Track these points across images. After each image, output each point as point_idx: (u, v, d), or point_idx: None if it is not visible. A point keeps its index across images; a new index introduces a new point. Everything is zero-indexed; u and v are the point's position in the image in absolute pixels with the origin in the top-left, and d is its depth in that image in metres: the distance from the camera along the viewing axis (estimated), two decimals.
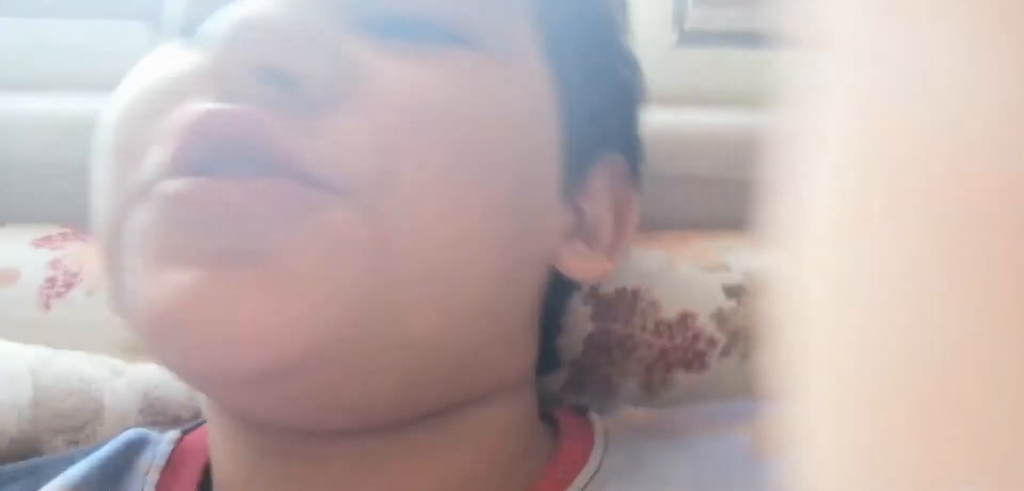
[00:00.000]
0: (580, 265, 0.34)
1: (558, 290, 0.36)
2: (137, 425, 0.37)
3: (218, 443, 0.31)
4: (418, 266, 0.26)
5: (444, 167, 0.27)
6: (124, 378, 0.39)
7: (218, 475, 0.31)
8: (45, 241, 0.49)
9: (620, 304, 0.43)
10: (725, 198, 0.49)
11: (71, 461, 0.32)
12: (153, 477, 0.32)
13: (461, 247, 0.27)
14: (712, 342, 0.42)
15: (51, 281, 0.47)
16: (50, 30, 0.63)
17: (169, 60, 0.28)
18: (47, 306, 0.47)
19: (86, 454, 0.33)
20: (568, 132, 0.32)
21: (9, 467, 0.34)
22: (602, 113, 0.35)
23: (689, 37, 0.53)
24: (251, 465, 0.29)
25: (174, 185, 0.25)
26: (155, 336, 0.25)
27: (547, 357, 0.39)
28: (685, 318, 0.42)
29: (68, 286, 0.46)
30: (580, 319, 0.42)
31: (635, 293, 0.43)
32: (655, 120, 0.50)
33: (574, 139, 0.33)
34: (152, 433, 0.34)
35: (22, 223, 0.53)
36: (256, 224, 0.24)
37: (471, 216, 0.27)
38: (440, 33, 0.29)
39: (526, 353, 0.34)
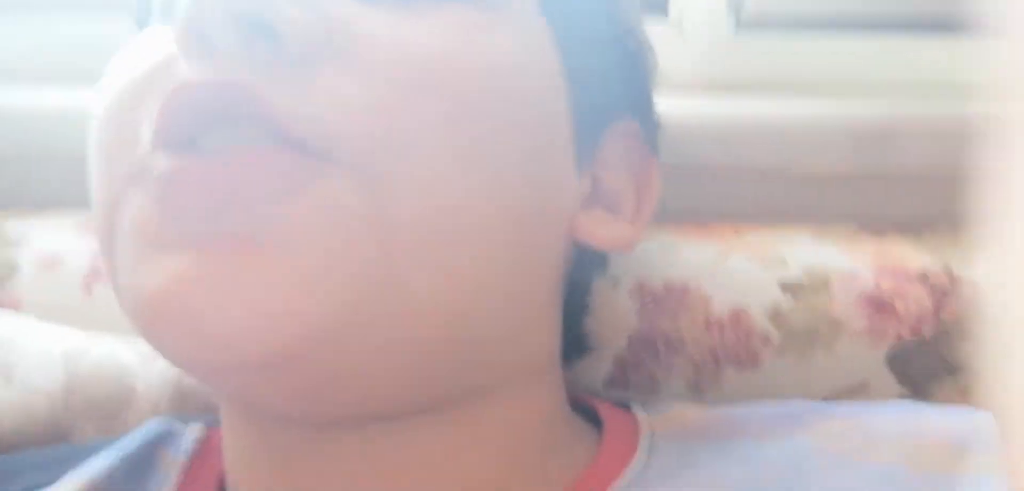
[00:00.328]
0: (602, 232, 0.32)
1: (581, 266, 0.34)
2: (168, 413, 0.36)
3: (227, 434, 0.30)
4: (422, 236, 0.25)
5: (446, 128, 0.25)
6: (157, 365, 0.38)
7: (229, 468, 0.30)
8: (88, 227, 0.49)
9: (668, 299, 0.40)
10: (782, 190, 0.46)
11: (96, 451, 0.32)
12: (175, 472, 0.31)
13: (468, 214, 0.25)
14: (766, 340, 0.39)
15: (94, 266, 0.47)
16: (89, 26, 0.63)
17: (151, 41, 0.27)
18: (89, 291, 0.47)
19: (111, 443, 0.32)
20: (576, 93, 0.30)
21: (36, 454, 0.33)
22: (609, 74, 0.33)
23: (747, 24, 0.51)
24: (258, 457, 0.28)
25: (160, 165, 0.23)
26: (147, 325, 0.24)
27: (574, 341, 0.37)
28: (738, 315, 0.40)
29: None
30: (625, 314, 0.40)
31: (684, 288, 0.41)
32: (710, 109, 0.48)
33: (583, 101, 0.31)
34: (177, 425, 0.33)
35: (65, 209, 0.53)
36: (247, 202, 0.23)
37: (477, 181, 0.26)
38: None
39: (548, 335, 0.32)
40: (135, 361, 0.39)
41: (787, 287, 0.40)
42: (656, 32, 0.40)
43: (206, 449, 0.32)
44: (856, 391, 0.40)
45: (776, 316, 0.40)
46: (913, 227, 0.43)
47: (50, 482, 0.31)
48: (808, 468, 0.28)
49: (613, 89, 0.33)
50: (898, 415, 0.30)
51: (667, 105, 0.40)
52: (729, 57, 0.50)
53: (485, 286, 0.26)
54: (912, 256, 0.41)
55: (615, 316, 0.40)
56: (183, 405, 0.38)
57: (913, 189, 0.46)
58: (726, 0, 0.51)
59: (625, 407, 0.34)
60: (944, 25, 0.49)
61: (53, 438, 0.36)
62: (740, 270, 0.41)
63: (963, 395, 0.39)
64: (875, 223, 0.44)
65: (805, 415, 0.31)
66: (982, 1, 0.09)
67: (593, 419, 0.33)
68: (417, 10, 0.26)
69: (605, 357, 0.40)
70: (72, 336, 0.40)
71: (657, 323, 0.40)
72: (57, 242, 0.50)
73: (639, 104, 0.36)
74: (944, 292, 0.39)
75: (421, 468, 0.28)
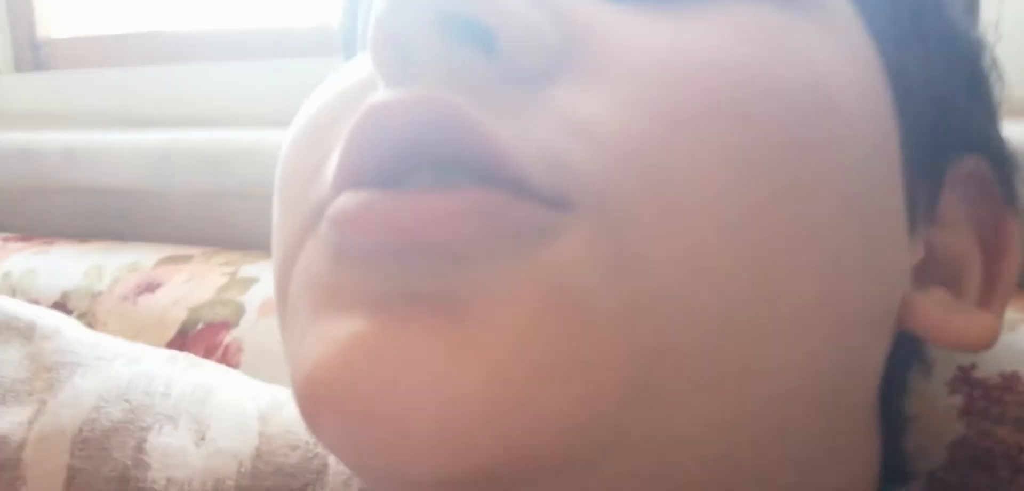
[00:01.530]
0: (948, 324, 0.23)
1: (901, 363, 0.25)
2: None
3: None
4: (694, 326, 0.17)
5: (733, 169, 0.17)
6: None
7: None
8: None
9: (1008, 398, 0.29)
10: None
11: None
12: None
13: (765, 300, 0.18)
14: None
15: None
16: (289, 70, 0.63)
17: (343, 72, 0.22)
18: None
19: None
20: (907, 124, 0.22)
21: None
22: (948, 97, 0.24)
23: None
24: None
25: (338, 203, 0.18)
26: (303, 405, 0.18)
27: (890, 465, 0.27)
28: None
29: None
30: (943, 416, 0.29)
31: None
32: None
33: (917, 135, 0.22)
34: None
35: None
36: (447, 257, 0.16)
37: (779, 250, 0.18)
38: None
39: (862, 462, 0.24)
40: None
41: None
42: None
43: None
44: None
45: None
46: None
47: None
48: None
49: (954, 118, 0.24)
50: None
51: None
52: None
53: (784, 407, 0.19)
54: None
55: (928, 418, 0.29)
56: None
57: None
58: None
59: None
60: None
61: None
62: None
63: None
64: None
65: None
66: None
67: None
68: (691, 8, 0.19)
69: (913, 473, 0.29)
70: (271, 392, 0.36)
71: (993, 431, 0.29)
72: None
73: (985, 136, 0.26)
74: None
75: None
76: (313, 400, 0.17)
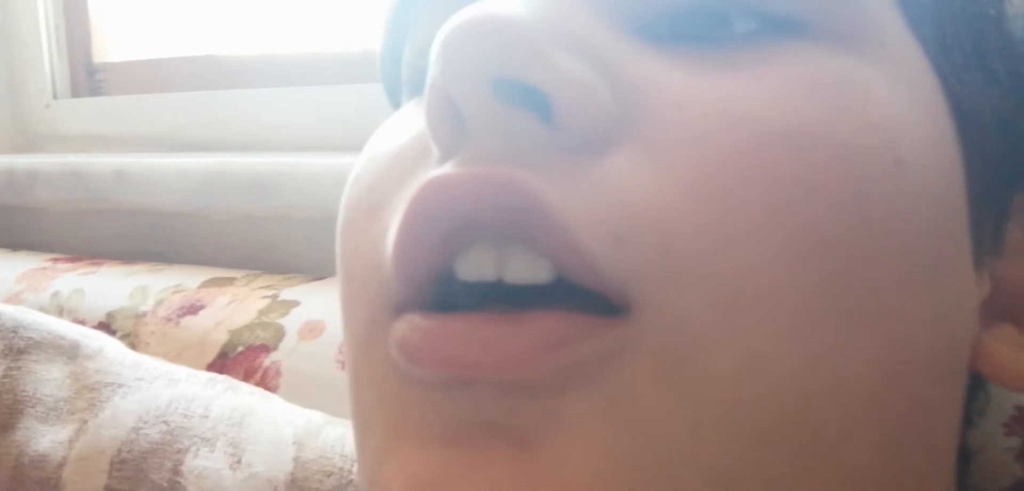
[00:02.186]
0: (1014, 362, 0.21)
1: (967, 401, 0.24)
2: None
3: None
4: (760, 435, 0.16)
5: (795, 252, 0.16)
6: None
7: None
8: None
9: None
10: None
11: None
12: None
13: (829, 390, 0.17)
14: None
15: None
16: (332, 96, 0.64)
17: (396, 127, 0.22)
18: (342, 365, 0.44)
19: None
20: (973, 161, 0.21)
21: None
22: (1008, 121, 0.23)
23: None
24: None
25: (401, 333, 0.18)
26: None
27: None
28: None
29: None
30: (1000, 458, 0.28)
31: None
32: None
33: (980, 167, 0.21)
34: None
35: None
36: (508, 390, 0.16)
37: (844, 331, 0.17)
38: (764, 21, 0.19)
39: None
40: None
41: None
42: None
43: None
44: None
45: None
46: None
47: None
48: None
49: (1019, 144, 0.23)
50: None
51: None
52: None
53: (860, 480, 0.18)
54: None
55: (985, 461, 0.28)
56: None
57: None
58: None
59: None
60: None
61: None
62: None
63: None
64: None
65: None
66: None
67: None
68: (749, 59, 0.18)
69: None
70: (307, 416, 0.36)
71: None
72: (323, 310, 0.48)
73: None
74: None
75: None
76: None
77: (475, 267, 0.17)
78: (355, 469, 0.34)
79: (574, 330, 0.16)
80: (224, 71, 0.77)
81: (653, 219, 0.16)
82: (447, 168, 0.17)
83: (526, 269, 0.16)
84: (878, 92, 0.18)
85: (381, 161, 0.21)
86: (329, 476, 0.33)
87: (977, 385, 0.25)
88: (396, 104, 0.28)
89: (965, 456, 0.27)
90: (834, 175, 0.17)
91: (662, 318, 0.16)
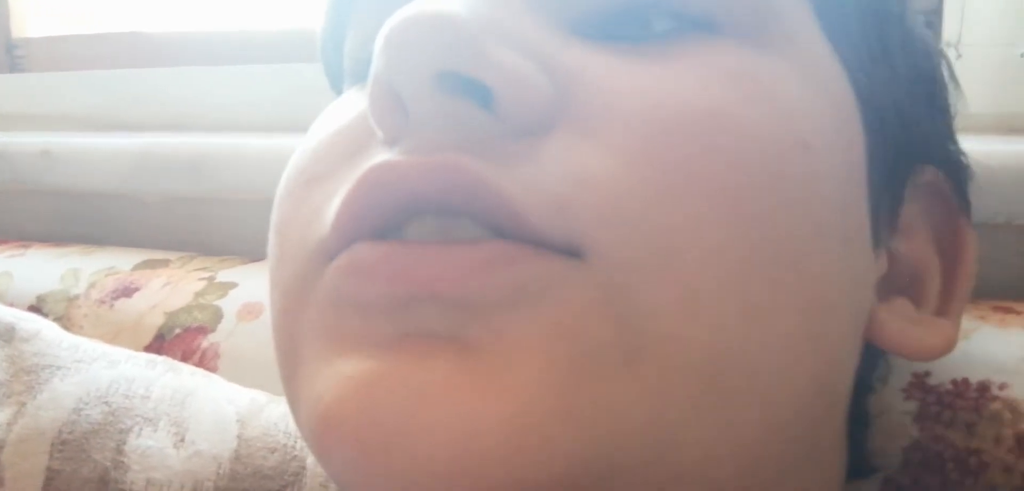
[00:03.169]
0: (911, 336, 0.24)
1: (866, 366, 0.27)
2: None
3: None
4: (693, 364, 0.18)
5: (717, 209, 0.18)
6: None
7: None
8: None
9: (959, 404, 0.30)
10: None
11: None
12: None
13: (754, 328, 0.19)
14: None
15: None
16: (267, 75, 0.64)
17: (339, 110, 0.23)
18: None
19: None
20: (873, 143, 0.23)
21: None
22: (908, 110, 0.25)
23: None
24: None
25: (350, 254, 0.19)
26: (319, 440, 0.19)
27: (854, 465, 0.29)
28: None
29: None
30: (899, 420, 0.31)
31: (982, 389, 0.30)
32: (1002, 151, 0.37)
33: (881, 153, 0.23)
34: None
35: None
36: (462, 305, 0.17)
37: (765, 279, 0.19)
38: (681, 21, 0.20)
39: (835, 464, 0.25)
40: None
41: None
42: None
43: None
44: None
45: None
46: None
47: None
48: None
49: (915, 130, 0.25)
50: None
51: None
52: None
53: (773, 431, 0.20)
54: None
55: (886, 423, 0.30)
56: None
57: None
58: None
59: None
60: None
61: None
62: None
63: None
64: None
65: None
66: None
67: None
68: (666, 54, 0.20)
69: (871, 478, 0.30)
70: (249, 396, 0.37)
71: (944, 435, 0.30)
72: (261, 292, 0.49)
73: (943, 147, 0.27)
74: None
75: None
76: (331, 433, 0.18)
77: (419, 234, 0.18)
78: (298, 444, 0.35)
79: (522, 255, 0.17)
80: (153, 48, 0.75)
81: (592, 185, 0.18)
82: (393, 154, 0.18)
83: (470, 235, 0.18)
84: (785, 83, 0.20)
85: (324, 138, 0.22)
86: (273, 452, 0.34)
87: (877, 354, 0.28)
88: (337, 89, 0.29)
89: (865, 420, 0.29)
90: (745, 152, 0.19)
91: (606, 261, 0.18)
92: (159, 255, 0.55)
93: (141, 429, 0.35)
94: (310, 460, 0.34)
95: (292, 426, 0.35)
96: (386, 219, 0.18)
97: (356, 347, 0.18)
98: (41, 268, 0.55)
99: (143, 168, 0.61)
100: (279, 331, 0.22)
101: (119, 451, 0.34)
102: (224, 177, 0.58)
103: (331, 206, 0.20)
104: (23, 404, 0.36)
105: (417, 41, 0.17)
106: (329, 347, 0.19)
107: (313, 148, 0.22)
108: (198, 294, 0.49)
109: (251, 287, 0.49)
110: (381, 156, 0.18)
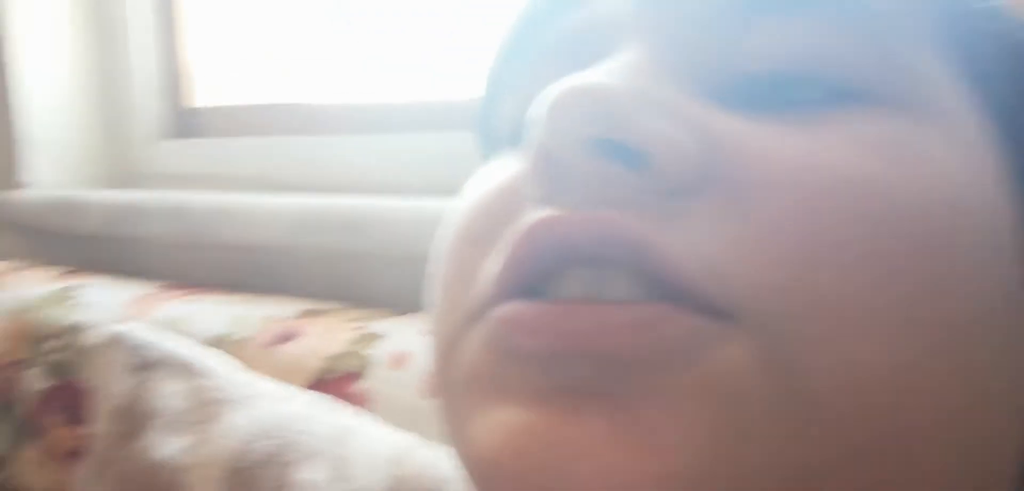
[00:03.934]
0: None
1: None
2: None
3: None
4: (849, 435, 0.18)
5: (874, 279, 0.18)
6: None
7: None
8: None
9: None
10: None
11: None
12: None
13: (904, 394, 0.19)
14: None
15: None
16: (449, 141, 0.67)
17: (497, 171, 0.24)
18: (427, 395, 0.47)
19: None
20: None
21: None
22: None
23: None
24: None
25: (503, 309, 0.20)
26: (479, 481, 0.20)
27: None
28: None
29: None
30: None
31: None
32: None
33: None
34: None
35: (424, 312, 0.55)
36: (615, 362, 0.18)
37: (924, 351, 0.19)
38: (827, 91, 0.21)
39: None
40: (458, 475, 0.37)
41: None
42: None
43: None
44: None
45: None
46: None
47: None
48: None
49: None
50: None
51: None
52: None
53: None
54: None
55: None
56: None
57: None
58: None
59: None
60: None
61: None
62: None
63: None
64: None
65: None
66: None
67: None
68: (815, 121, 0.20)
69: None
70: (400, 439, 0.39)
71: None
72: (409, 342, 0.52)
73: None
74: None
75: None
76: (491, 479, 0.19)
77: (573, 289, 0.19)
78: (448, 488, 0.36)
79: (678, 314, 0.18)
80: (312, 117, 0.81)
81: (745, 250, 0.18)
82: (552, 211, 0.20)
83: (626, 292, 0.19)
84: (934, 149, 0.20)
85: (481, 199, 0.23)
86: None
87: None
88: (487, 153, 0.31)
89: None
90: (897, 219, 0.19)
91: (760, 324, 0.18)
92: (318, 305, 0.60)
93: (303, 464, 0.37)
94: None
95: (440, 470, 0.37)
96: (544, 270, 0.20)
97: (514, 397, 0.19)
98: (214, 313, 0.60)
99: (303, 225, 0.66)
100: (440, 375, 0.24)
101: (284, 484, 0.37)
102: (375, 235, 0.62)
103: (488, 262, 0.21)
104: (202, 433, 0.40)
105: (576, 110, 0.19)
106: (488, 394, 0.20)
107: (470, 209, 0.24)
108: (352, 342, 0.53)
109: (399, 338, 0.52)
110: (538, 213, 0.20)
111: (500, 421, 0.19)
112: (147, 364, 0.43)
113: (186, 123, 0.93)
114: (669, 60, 0.21)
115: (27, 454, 0.65)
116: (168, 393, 0.42)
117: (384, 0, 0.78)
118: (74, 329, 0.63)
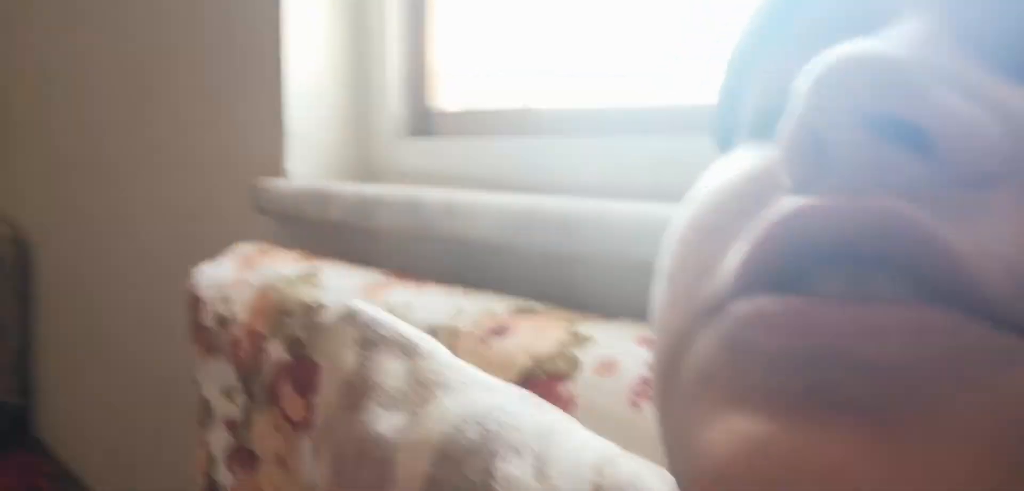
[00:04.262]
0: None
1: None
2: None
3: None
4: None
5: None
6: None
7: None
8: (648, 341, 0.49)
9: None
10: None
11: None
12: None
13: None
14: None
15: (645, 381, 0.46)
16: (671, 144, 0.65)
17: (740, 159, 0.22)
18: (635, 405, 0.46)
19: None
20: None
21: None
22: None
23: None
24: None
25: (745, 304, 0.18)
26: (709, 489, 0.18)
27: None
28: None
29: None
30: None
31: None
32: None
33: None
34: None
35: (636, 319, 0.54)
36: (876, 371, 0.15)
37: None
38: None
39: None
40: (662, 490, 0.35)
41: None
42: None
43: None
44: None
45: None
46: None
47: None
48: None
49: None
50: None
51: None
52: None
53: None
54: None
55: None
56: None
57: None
58: None
59: None
60: None
61: None
62: None
63: None
64: None
65: None
66: None
67: None
68: None
69: None
70: (606, 445, 0.38)
71: None
72: (618, 349, 0.50)
73: None
74: None
75: None
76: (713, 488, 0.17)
77: (830, 288, 0.17)
78: None
79: (967, 326, 0.15)
80: (538, 122, 0.83)
81: None
82: (812, 199, 0.17)
83: (894, 295, 0.16)
84: None
85: (719, 189, 0.21)
86: None
87: None
88: (724, 145, 0.28)
89: None
90: None
91: None
92: (530, 304, 0.60)
93: (509, 456, 0.37)
94: None
95: (642, 484, 0.36)
96: (795, 266, 0.17)
97: (753, 403, 0.17)
98: (434, 303, 0.62)
99: (522, 224, 0.67)
100: (665, 376, 0.21)
101: (489, 473, 0.37)
102: (590, 237, 0.61)
103: (727, 255, 0.19)
104: (416, 413, 0.41)
105: (853, 82, 0.16)
106: (723, 399, 0.18)
107: (709, 197, 0.22)
108: (561, 344, 0.53)
109: (607, 342, 0.51)
110: (795, 201, 0.17)
111: (736, 430, 0.17)
112: (374, 341, 0.45)
113: (426, 122, 0.98)
114: (960, 30, 0.18)
115: (264, 418, 0.71)
116: (390, 371, 0.44)
117: (611, 10, 0.77)
118: (311, 308, 0.68)
